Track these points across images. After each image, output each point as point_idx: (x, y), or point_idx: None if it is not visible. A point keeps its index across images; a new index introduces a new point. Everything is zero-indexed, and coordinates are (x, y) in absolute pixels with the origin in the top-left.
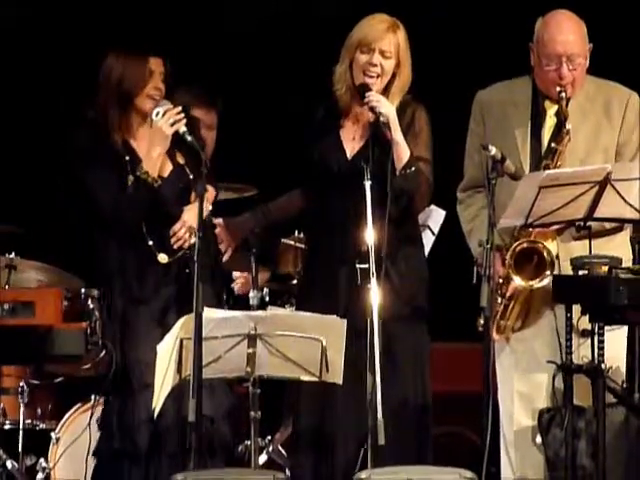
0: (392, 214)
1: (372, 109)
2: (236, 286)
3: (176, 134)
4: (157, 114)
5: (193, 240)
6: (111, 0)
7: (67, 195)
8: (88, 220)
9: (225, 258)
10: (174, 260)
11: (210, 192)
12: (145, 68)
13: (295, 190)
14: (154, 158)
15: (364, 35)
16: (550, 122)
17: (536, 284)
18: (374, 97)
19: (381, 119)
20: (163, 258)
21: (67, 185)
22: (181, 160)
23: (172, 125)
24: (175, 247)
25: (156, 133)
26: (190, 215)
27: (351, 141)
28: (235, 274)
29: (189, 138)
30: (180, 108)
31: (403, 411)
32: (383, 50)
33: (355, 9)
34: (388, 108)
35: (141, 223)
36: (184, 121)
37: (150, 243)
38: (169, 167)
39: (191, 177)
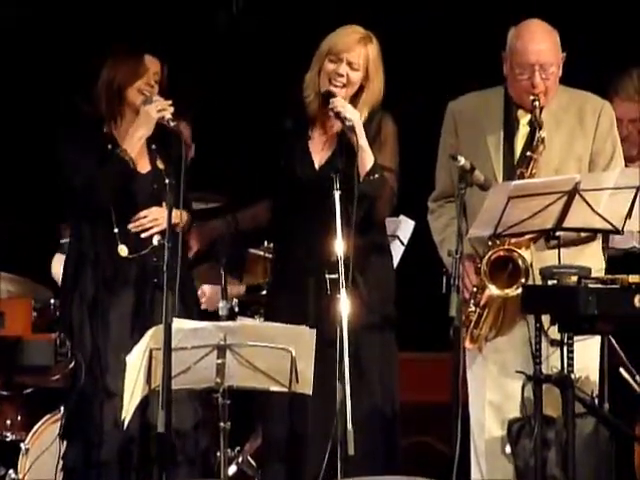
0: (354, 220)
1: (337, 114)
2: (203, 304)
3: (161, 130)
4: (146, 101)
5: (156, 232)
6: (110, 1)
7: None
8: (64, 204)
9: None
10: (136, 263)
11: (184, 215)
12: (139, 62)
13: (264, 200)
14: (135, 139)
15: (334, 44)
16: (523, 131)
17: (511, 292)
18: (339, 102)
19: (346, 123)
20: (122, 250)
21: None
22: (161, 165)
23: (159, 111)
24: (131, 227)
25: (142, 116)
26: (159, 211)
27: (319, 152)
28: (200, 291)
29: (172, 124)
30: (171, 101)
31: (371, 421)
32: (351, 62)
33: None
34: (353, 113)
35: (111, 203)
36: (171, 110)
37: (115, 231)
38: (147, 167)
39: (167, 182)
